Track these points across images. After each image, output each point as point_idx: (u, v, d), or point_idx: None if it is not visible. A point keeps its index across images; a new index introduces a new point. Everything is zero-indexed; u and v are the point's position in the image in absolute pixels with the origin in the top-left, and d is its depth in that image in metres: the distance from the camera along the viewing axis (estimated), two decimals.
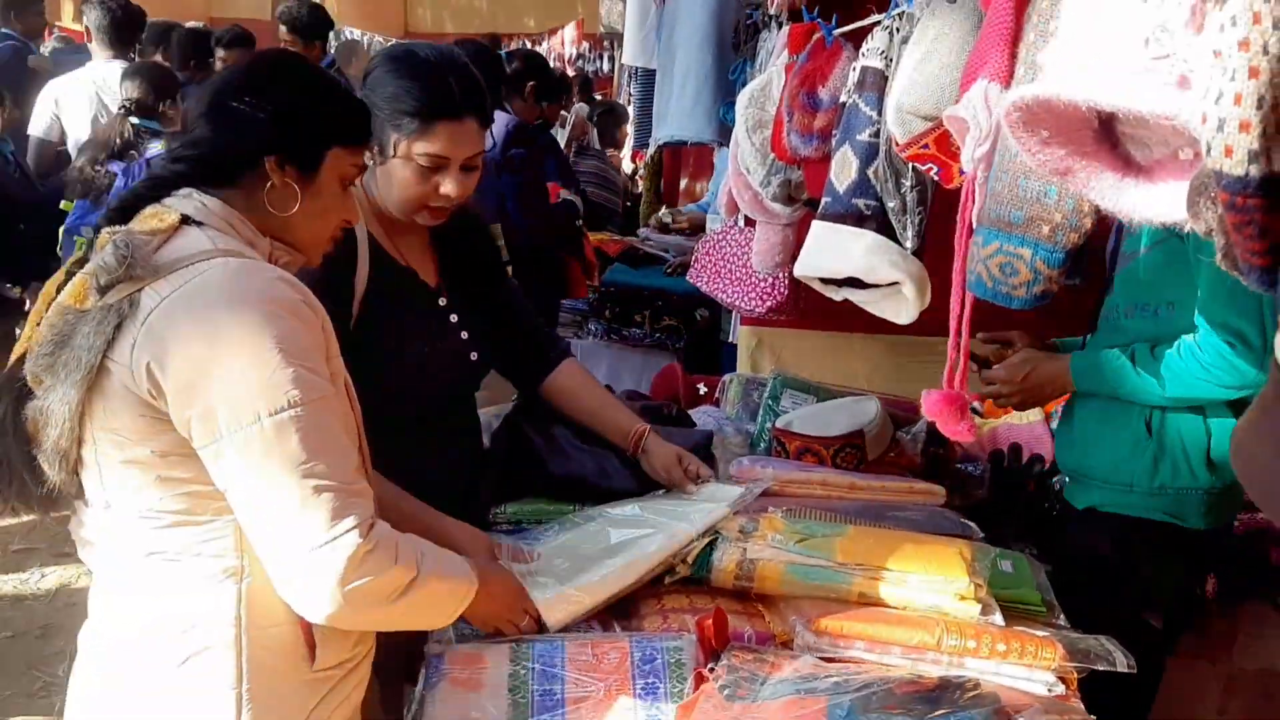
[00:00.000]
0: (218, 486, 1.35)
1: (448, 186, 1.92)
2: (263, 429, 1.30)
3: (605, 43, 10.75)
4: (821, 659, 1.67)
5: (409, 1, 16.38)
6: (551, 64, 11.06)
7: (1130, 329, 2.12)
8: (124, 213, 1.44)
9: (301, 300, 1.39)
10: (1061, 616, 1.87)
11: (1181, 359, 1.93)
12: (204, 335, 1.31)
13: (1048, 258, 1.19)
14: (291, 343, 1.33)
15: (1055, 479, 2.67)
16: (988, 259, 1.24)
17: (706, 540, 1.88)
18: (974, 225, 1.30)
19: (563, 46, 11.62)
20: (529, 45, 12.79)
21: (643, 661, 1.68)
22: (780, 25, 2.89)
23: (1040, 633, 1.76)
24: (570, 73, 9.41)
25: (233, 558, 1.40)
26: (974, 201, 1.29)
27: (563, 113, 7.10)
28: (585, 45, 11.27)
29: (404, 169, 1.90)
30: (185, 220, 1.42)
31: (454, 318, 2.06)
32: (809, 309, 3.39)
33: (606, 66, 11.62)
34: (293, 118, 1.49)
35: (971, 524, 2.20)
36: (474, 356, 2.09)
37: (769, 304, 3.21)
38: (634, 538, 1.91)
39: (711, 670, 1.60)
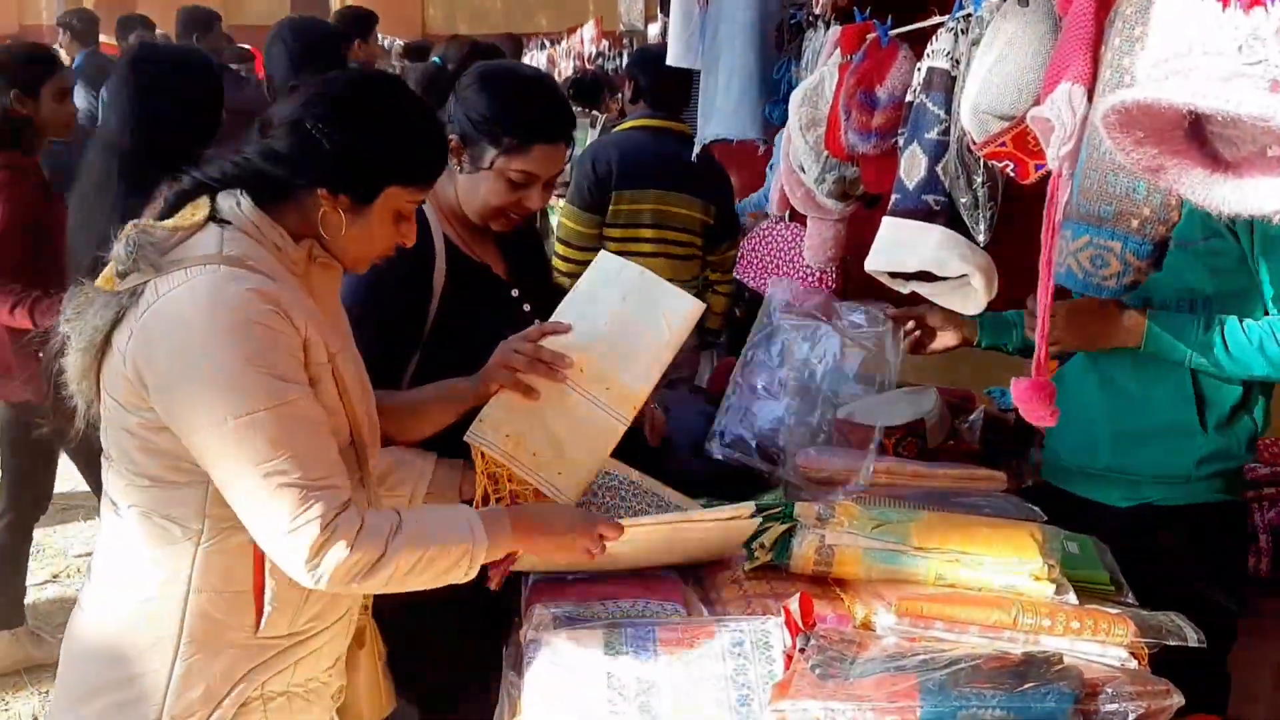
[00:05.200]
0: (200, 465, 1.48)
1: (532, 201, 2.04)
2: (227, 430, 1.42)
3: (625, 40, 10.79)
4: (904, 639, 1.74)
5: (425, 3, 16.55)
6: (572, 63, 11.14)
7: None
8: (183, 198, 1.56)
9: (272, 310, 1.46)
10: (1130, 595, 1.93)
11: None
12: (180, 342, 1.44)
13: (1137, 249, 1.25)
14: (257, 352, 1.43)
15: None
16: (1078, 252, 1.30)
17: (785, 527, 1.94)
18: (1061, 220, 1.36)
19: (582, 45, 11.66)
20: (548, 44, 12.87)
21: (732, 644, 1.75)
22: (826, 25, 2.95)
23: (1112, 610, 1.82)
24: (593, 70, 9.46)
25: (195, 522, 1.52)
26: (1059, 198, 1.35)
27: (594, 113, 7.17)
28: (605, 43, 11.31)
29: (495, 181, 2.01)
30: (214, 218, 1.53)
31: (526, 307, 2.17)
32: (854, 300, 3.45)
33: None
34: (355, 155, 1.55)
35: (1035, 508, 2.26)
36: None
37: None
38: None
39: (802, 651, 1.67)
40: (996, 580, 1.85)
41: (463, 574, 1.60)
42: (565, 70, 10.89)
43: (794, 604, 1.75)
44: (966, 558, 1.87)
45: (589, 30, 11.92)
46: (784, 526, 1.94)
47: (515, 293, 2.17)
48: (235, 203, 1.55)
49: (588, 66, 9.97)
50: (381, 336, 1.98)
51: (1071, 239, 1.32)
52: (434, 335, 2.04)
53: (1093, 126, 1.28)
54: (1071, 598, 1.85)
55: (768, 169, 5.02)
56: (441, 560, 1.56)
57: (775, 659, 1.72)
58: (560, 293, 2.32)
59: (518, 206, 2.05)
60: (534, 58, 13.04)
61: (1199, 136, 1.15)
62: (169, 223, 1.52)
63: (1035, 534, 1.93)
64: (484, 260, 2.13)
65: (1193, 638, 1.77)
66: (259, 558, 1.55)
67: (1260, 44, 1.04)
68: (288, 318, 1.48)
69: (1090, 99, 1.31)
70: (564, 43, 12.62)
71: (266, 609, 1.56)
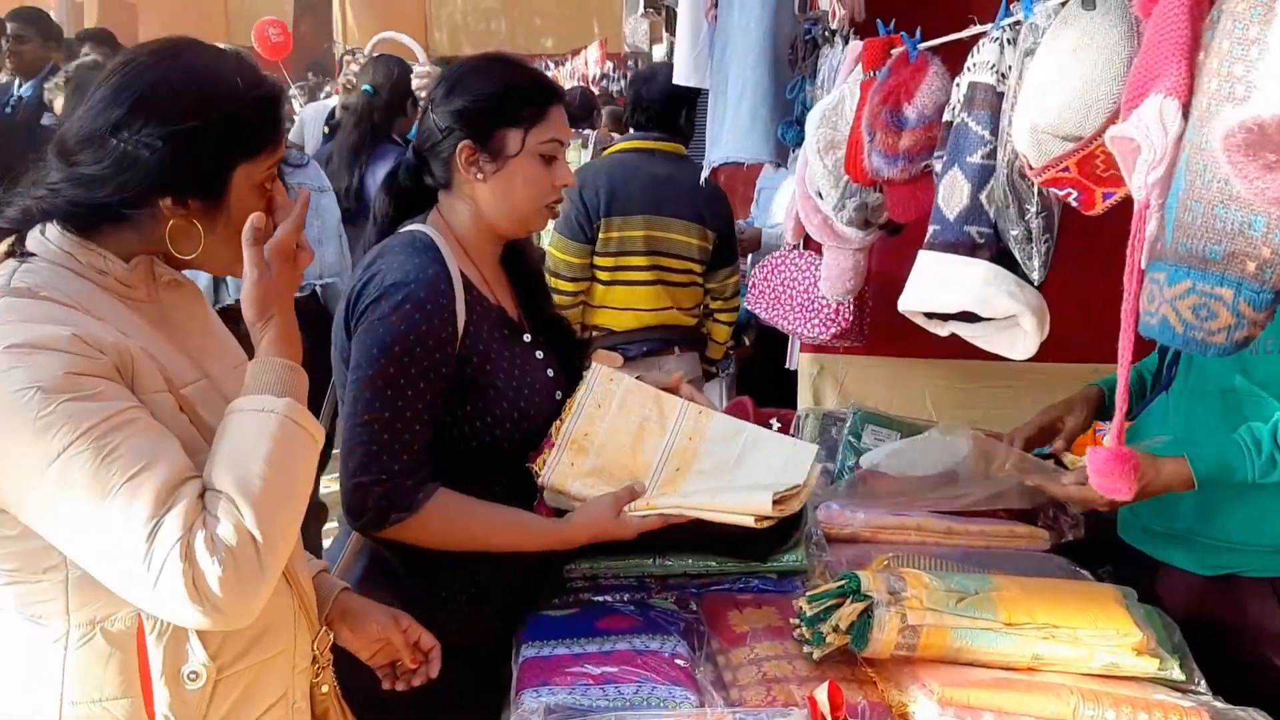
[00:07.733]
0: (44, 538, 1.23)
1: (564, 176, 1.88)
2: (51, 477, 1.18)
3: (630, 62, 10.64)
4: None
5: (427, 24, 16.46)
6: (575, 84, 11.02)
7: (1222, 368, 1.93)
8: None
9: (59, 335, 1.22)
10: (1202, 682, 1.69)
11: None
12: None
13: (1253, 299, 1.02)
14: (47, 379, 1.20)
15: None
16: (1176, 300, 1.08)
17: (861, 606, 1.66)
18: (1150, 260, 1.14)
19: (586, 67, 11.53)
20: (552, 66, 12.74)
21: None
22: (845, 40, 2.75)
23: (1184, 702, 1.60)
24: (595, 92, 9.32)
25: (59, 622, 1.29)
26: (1145, 233, 1.13)
27: (585, 132, 7.03)
28: (609, 65, 11.17)
29: (529, 165, 1.84)
30: (17, 252, 1.32)
31: (539, 354, 1.96)
32: (872, 333, 3.24)
33: None
34: (185, 152, 1.30)
35: (1083, 570, 2.04)
36: (559, 394, 1.96)
37: (834, 330, 3.05)
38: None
39: None
40: (1096, 657, 1.63)
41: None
42: None
43: (821, 694, 1.52)
44: (1060, 632, 1.64)
45: (593, 52, 11.81)
46: (859, 605, 1.65)
47: (528, 338, 1.97)
48: (40, 233, 1.33)
49: (591, 88, 9.81)
50: (421, 398, 1.76)
51: (1167, 284, 1.10)
52: (454, 382, 1.82)
53: (1194, 149, 1.06)
54: (1175, 673, 1.65)
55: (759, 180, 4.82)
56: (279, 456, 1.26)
57: None
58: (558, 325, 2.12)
59: (554, 191, 1.88)
60: None
61: None
62: None
63: (1117, 599, 1.72)
64: (500, 302, 1.93)
65: None
66: (143, 661, 1.30)
67: None
68: (83, 337, 1.24)
69: (1186, 115, 1.09)
70: (568, 64, 12.51)
71: (162, 713, 1.31)
